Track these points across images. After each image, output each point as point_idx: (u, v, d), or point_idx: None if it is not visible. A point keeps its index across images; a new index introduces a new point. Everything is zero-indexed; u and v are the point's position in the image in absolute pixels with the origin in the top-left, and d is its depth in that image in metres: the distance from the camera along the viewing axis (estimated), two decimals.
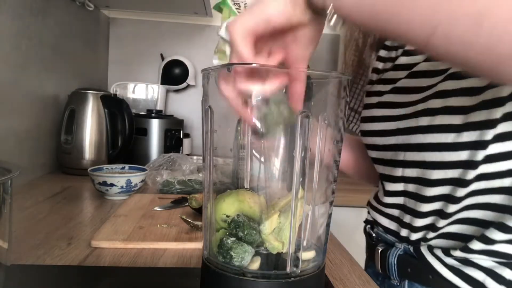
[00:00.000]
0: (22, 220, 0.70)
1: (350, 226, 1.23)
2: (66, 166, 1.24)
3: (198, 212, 0.80)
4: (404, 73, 0.63)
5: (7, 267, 0.44)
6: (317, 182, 0.45)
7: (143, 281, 0.54)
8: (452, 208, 0.53)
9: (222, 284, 0.42)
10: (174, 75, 1.70)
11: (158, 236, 0.68)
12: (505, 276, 0.50)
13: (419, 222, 0.57)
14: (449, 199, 0.53)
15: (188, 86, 1.75)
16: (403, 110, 0.60)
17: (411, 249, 0.58)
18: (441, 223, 0.55)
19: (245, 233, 0.42)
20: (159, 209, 0.84)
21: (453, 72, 0.53)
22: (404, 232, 0.60)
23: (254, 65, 0.40)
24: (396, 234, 0.62)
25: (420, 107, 0.56)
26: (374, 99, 0.66)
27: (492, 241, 0.50)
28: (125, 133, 1.27)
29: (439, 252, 0.55)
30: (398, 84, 0.63)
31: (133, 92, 1.70)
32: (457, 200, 0.52)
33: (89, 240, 0.65)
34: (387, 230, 0.64)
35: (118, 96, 1.36)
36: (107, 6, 1.62)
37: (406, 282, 0.60)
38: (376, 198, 0.68)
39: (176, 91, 1.78)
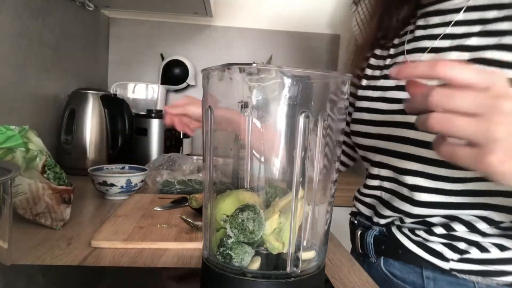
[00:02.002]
0: (22, 220, 0.70)
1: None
2: (66, 166, 1.23)
3: (198, 212, 0.80)
4: (392, 83, 0.70)
5: (7, 267, 0.44)
6: (317, 182, 0.45)
7: (143, 281, 0.54)
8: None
9: (222, 284, 0.42)
10: (174, 75, 1.70)
11: (158, 236, 0.68)
12: (459, 247, 0.61)
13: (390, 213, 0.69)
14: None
15: (188, 86, 1.75)
16: (389, 117, 0.68)
17: (384, 230, 0.69)
18: (407, 220, 0.66)
19: (236, 253, 0.42)
20: (159, 209, 0.84)
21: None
22: (376, 219, 0.72)
23: (254, 65, 0.40)
24: (370, 219, 0.74)
25: (397, 118, 0.66)
26: (365, 103, 0.74)
27: (453, 229, 0.61)
28: (125, 133, 1.27)
29: (406, 231, 0.66)
30: (387, 94, 0.70)
31: (133, 92, 1.70)
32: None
33: (89, 240, 0.65)
34: (365, 217, 0.76)
35: (118, 96, 1.36)
36: (107, 6, 1.62)
37: (382, 258, 0.70)
38: (359, 191, 0.78)
39: (176, 91, 1.78)
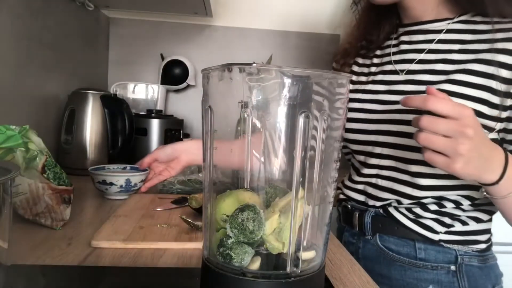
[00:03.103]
0: (22, 220, 0.70)
1: None
2: (66, 166, 1.23)
3: (198, 212, 0.80)
4: (383, 88, 0.81)
5: (7, 267, 0.44)
6: (317, 182, 0.45)
7: (143, 281, 0.54)
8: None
9: (222, 284, 0.42)
10: (174, 75, 1.70)
11: (158, 236, 0.68)
12: (446, 221, 0.74)
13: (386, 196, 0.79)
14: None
15: (188, 86, 1.75)
16: (385, 115, 0.79)
17: (381, 210, 0.80)
18: (405, 201, 0.76)
19: (235, 253, 0.42)
20: (159, 209, 0.84)
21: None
22: (371, 202, 0.81)
23: (254, 65, 0.40)
24: (363, 203, 0.83)
25: (396, 116, 0.77)
26: (356, 105, 0.84)
27: (443, 206, 0.74)
28: (125, 133, 1.27)
29: (403, 210, 0.77)
30: (379, 97, 0.81)
31: (133, 92, 1.70)
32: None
33: (89, 240, 0.65)
34: (356, 201, 0.85)
35: (118, 96, 1.36)
36: (107, 6, 1.62)
37: (377, 235, 0.81)
38: (350, 179, 0.88)
39: (176, 91, 1.78)
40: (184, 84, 1.72)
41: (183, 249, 0.65)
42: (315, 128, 0.43)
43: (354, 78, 0.89)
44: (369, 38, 0.91)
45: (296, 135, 0.41)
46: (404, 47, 0.82)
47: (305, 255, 0.44)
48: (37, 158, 0.70)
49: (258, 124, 0.44)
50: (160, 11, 1.67)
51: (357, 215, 0.84)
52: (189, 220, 0.71)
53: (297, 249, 0.43)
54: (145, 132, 1.41)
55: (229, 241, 0.42)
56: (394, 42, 0.85)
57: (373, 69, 0.87)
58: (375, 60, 0.87)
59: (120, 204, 0.87)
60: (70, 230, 0.70)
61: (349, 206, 0.87)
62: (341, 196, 0.90)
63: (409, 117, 0.73)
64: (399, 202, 0.77)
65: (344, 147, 0.90)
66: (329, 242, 0.63)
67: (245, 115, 0.44)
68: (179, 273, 0.56)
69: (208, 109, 0.45)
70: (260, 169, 0.48)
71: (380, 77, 0.83)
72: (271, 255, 0.44)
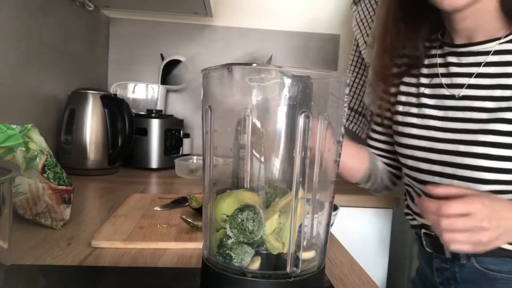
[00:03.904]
0: (22, 220, 0.70)
1: (350, 226, 1.23)
2: (66, 166, 1.23)
3: (198, 212, 0.80)
4: (439, 113, 0.79)
5: (7, 267, 0.44)
6: (317, 182, 0.45)
7: (143, 281, 0.54)
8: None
9: (222, 284, 0.42)
10: (174, 75, 1.70)
11: (158, 236, 0.68)
12: None
13: None
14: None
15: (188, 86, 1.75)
16: (445, 145, 0.77)
17: None
18: None
19: (235, 253, 0.42)
20: (159, 209, 0.84)
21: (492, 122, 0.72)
22: None
23: (254, 65, 0.40)
24: None
25: (461, 148, 0.75)
26: (414, 130, 0.82)
27: None
28: (125, 133, 1.26)
29: None
30: (436, 123, 0.79)
31: (133, 92, 1.70)
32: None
33: (89, 240, 0.65)
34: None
35: (118, 96, 1.36)
36: (107, 6, 1.61)
37: (472, 258, 0.77)
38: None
39: (176, 91, 1.78)
40: (184, 84, 1.72)
41: (183, 249, 0.65)
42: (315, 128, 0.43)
43: (404, 99, 0.86)
44: (402, 54, 0.87)
45: (296, 135, 0.41)
46: (454, 69, 0.79)
47: (305, 255, 0.44)
48: (37, 158, 0.70)
49: (258, 124, 0.44)
50: (160, 11, 1.67)
51: None
52: (189, 220, 0.71)
53: (297, 249, 0.43)
54: (145, 132, 1.41)
55: (229, 241, 0.42)
56: (440, 60, 0.82)
57: (422, 89, 0.83)
58: (423, 80, 0.84)
59: (120, 204, 0.87)
60: (70, 230, 0.70)
61: (433, 233, 0.82)
62: (415, 223, 0.87)
63: (476, 149, 0.73)
64: None
65: (396, 167, 0.91)
66: (329, 242, 0.63)
67: (245, 115, 0.44)
68: (179, 273, 0.56)
69: (208, 109, 0.45)
70: (260, 169, 0.48)
71: (434, 101, 0.80)
72: (271, 255, 0.44)
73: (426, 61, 0.85)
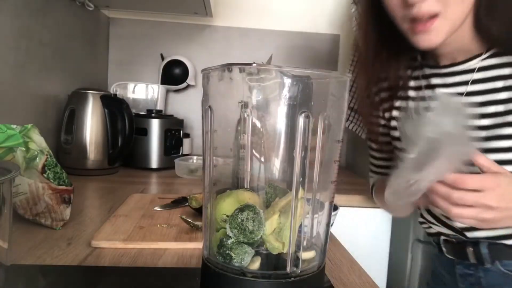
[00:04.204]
0: (22, 220, 0.70)
1: (350, 226, 1.23)
2: (66, 166, 1.23)
3: (198, 212, 0.80)
4: None
5: (7, 267, 0.44)
6: (317, 182, 0.45)
7: (143, 281, 0.54)
8: None
9: (222, 284, 0.42)
10: (174, 75, 1.70)
11: (158, 236, 0.68)
12: None
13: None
14: None
15: (188, 86, 1.75)
16: None
17: (495, 240, 0.76)
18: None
19: (235, 253, 0.42)
20: (159, 209, 0.84)
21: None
22: (471, 234, 0.78)
23: (254, 65, 0.40)
24: (463, 234, 0.79)
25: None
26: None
27: None
28: (125, 133, 1.26)
29: None
30: None
31: (133, 92, 1.70)
32: None
33: (89, 240, 0.65)
34: (459, 234, 0.80)
35: (118, 96, 1.36)
36: (107, 6, 1.62)
37: (497, 262, 0.77)
38: (436, 217, 0.84)
39: (176, 91, 1.78)
40: (184, 84, 1.72)
41: (183, 249, 0.65)
42: (315, 128, 0.43)
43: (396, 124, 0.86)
44: (384, 79, 0.87)
45: (296, 135, 0.41)
46: (440, 90, 0.79)
47: (305, 255, 0.44)
48: (37, 158, 0.69)
49: (258, 124, 0.44)
50: (160, 11, 1.67)
51: (472, 249, 0.79)
52: (189, 220, 0.71)
53: (297, 249, 0.43)
54: (145, 132, 1.41)
55: (229, 241, 0.42)
56: (424, 82, 0.83)
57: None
58: (412, 104, 0.84)
59: (120, 204, 0.87)
60: (70, 230, 0.70)
61: (454, 240, 0.83)
62: (432, 231, 0.87)
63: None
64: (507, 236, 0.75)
65: None
66: (329, 242, 0.63)
67: (245, 115, 0.44)
68: (179, 273, 0.56)
69: (208, 109, 0.45)
70: (260, 169, 0.48)
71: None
72: (271, 255, 0.44)
73: (412, 83, 0.85)
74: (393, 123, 0.88)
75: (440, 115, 0.59)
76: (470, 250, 0.79)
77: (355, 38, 1.57)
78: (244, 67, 0.42)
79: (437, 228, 0.85)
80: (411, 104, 0.85)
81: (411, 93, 0.85)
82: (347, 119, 1.64)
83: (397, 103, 0.88)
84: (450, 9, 0.67)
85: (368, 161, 1.04)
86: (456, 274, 0.83)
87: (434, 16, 0.68)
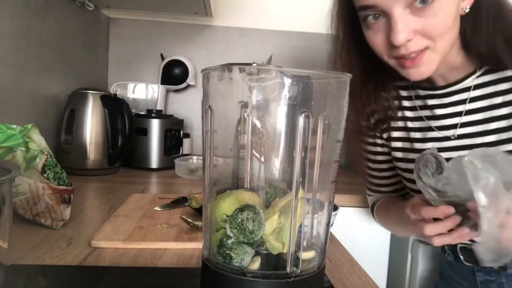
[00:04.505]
0: (22, 220, 0.70)
1: (350, 226, 1.23)
2: (66, 166, 1.23)
3: (198, 212, 0.80)
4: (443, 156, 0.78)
5: (7, 267, 0.44)
6: (317, 182, 0.45)
7: (143, 281, 0.54)
8: None
9: (222, 284, 0.42)
10: (174, 75, 1.70)
11: (158, 236, 0.68)
12: None
13: None
14: None
15: (188, 86, 1.75)
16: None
17: None
18: None
19: (235, 253, 0.42)
20: (159, 209, 0.84)
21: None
22: None
23: (254, 65, 0.40)
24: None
25: None
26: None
27: None
28: (125, 133, 1.26)
29: None
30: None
31: (133, 92, 1.70)
32: None
33: (89, 240, 0.65)
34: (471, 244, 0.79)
35: (118, 96, 1.36)
36: (107, 6, 1.61)
37: None
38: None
39: (176, 91, 1.78)
40: (184, 84, 1.72)
41: (183, 249, 0.65)
42: (315, 128, 0.43)
43: (400, 144, 0.86)
44: (379, 115, 0.86)
45: (296, 135, 0.41)
46: (439, 111, 0.79)
47: (305, 255, 0.44)
48: (37, 158, 0.69)
49: (258, 124, 0.44)
50: (160, 11, 1.67)
51: None
52: (189, 220, 0.71)
53: (297, 249, 0.43)
54: (145, 132, 1.41)
55: (229, 241, 0.42)
56: (419, 103, 0.82)
57: (413, 134, 0.83)
58: (409, 124, 0.84)
59: (120, 204, 0.87)
60: (70, 230, 0.70)
61: (472, 247, 0.82)
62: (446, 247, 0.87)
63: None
64: None
65: None
66: (329, 242, 0.63)
67: (245, 115, 0.44)
68: (179, 273, 0.56)
69: (208, 109, 0.45)
70: (260, 169, 0.48)
71: (429, 145, 0.80)
72: (271, 255, 0.44)
73: (406, 103, 0.84)
74: (394, 143, 0.88)
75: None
76: None
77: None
78: (244, 67, 0.42)
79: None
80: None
81: (408, 113, 0.84)
82: (347, 119, 1.64)
83: (394, 124, 0.87)
84: (438, 42, 0.66)
85: None
86: (476, 282, 0.82)
87: (423, 49, 0.67)
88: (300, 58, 1.81)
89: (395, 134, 0.87)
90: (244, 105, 0.44)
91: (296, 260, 0.42)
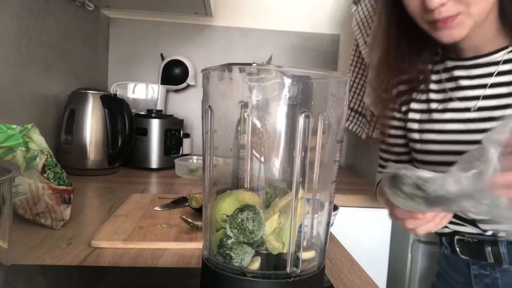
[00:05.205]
0: (22, 220, 0.70)
1: (350, 226, 1.23)
2: (66, 166, 1.23)
3: (198, 212, 0.80)
4: (459, 127, 0.78)
5: (7, 267, 0.44)
6: (317, 182, 0.45)
7: (143, 281, 0.54)
8: None
9: (222, 284, 0.42)
10: (174, 75, 1.70)
11: (158, 236, 0.68)
12: None
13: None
14: None
15: (188, 86, 1.75)
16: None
17: None
18: None
19: (235, 253, 0.42)
20: (159, 209, 0.84)
21: None
22: (489, 232, 0.77)
23: (254, 65, 0.40)
24: (481, 234, 0.79)
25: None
26: (436, 147, 0.81)
27: None
28: (125, 133, 1.26)
29: None
30: (457, 137, 0.78)
31: (133, 92, 1.70)
32: None
33: (89, 240, 0.65)
34: (476, 233, 0.80)
35: (118, 96, 1.36)
36: (107, 6, 1.62)
37: None
38: (456, 215, 0.80)
39: (176, 91, 1.78)
40: (184, 84, 1.72)
41: (183, 249, 0.65)
42: (315, 128, 0.43)
43: (418, 116, 0.85)
44: (406, 74, 0.85)
45: (296, 135, 0.41)
46: (464, 82, 0.78)
47: (305, 255, 0.44)
48: (37, 158, 0.69)
49: (258, 124, 0.44)
50: (160, 11, 1.67)
51: (490, 248, 0.78)
52: (189, 220, 0.71)
53: (297, 249, 0.43)
54: (145, 132, 1.41)
55: (229, 241, 0.42)
56: (445, 76, 0.82)
57: (433, 105, 0.83)
58: (432, 95, 0.83)
59: (120, 204, 0.87)
60: (70, 230, 0.70)
61: (469, 239, 0.82)
62: (446, 230, 0.85)
63: None
64: None
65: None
66: (329, 242, 0.63)
67: (245, 115, 0.44)
68: (179, 273, 0.56)
69: (208, 109, 0.45)
70: (260, 169, 0.48)
71: (448, 115, 0.80)
72: (271, 255, 0.44)
73: (434, 77, 0.84)
74: (412, 115, 0.87)
75: None
76: (488, 249, 0.78)
77: (356, 37, 1.58)
78: (244, 67, 0.42)
79: (454, 227, 0.83)
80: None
81: (433, 86, 0.84)
82: (347, 119, 1.64)
83: (417, 96, 0.86)
84: (472, 8, 0.67)
85: (368, 161, 1.04)
86: (470, 275, 0.82)
87: (456, 14, 0.67)
88: (300, 58, 1.81)
89: (415, 105, 0.86)
90: (244, 105, 0.44)
91: (296, 260, 0.42)
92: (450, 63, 0.81)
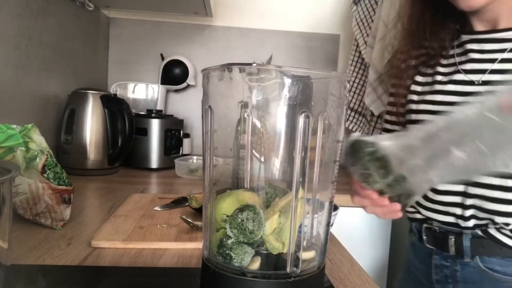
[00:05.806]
0: (22, 220, 0.70)
1: (350, 226, 1.23)
2: (66, 166, 1.23)
3: (198, 212, 0.80)
4: (458, 99, 0.77)
5: (7, 267, 0.44)
6: (317, 182, 0.45)
7: (143, 281, 0.54)
8: None
9: (222, 284, 0.42)
10: (174, 75, 1.70)
11: (158, 236, 0.68)
12: None
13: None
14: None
15: (188, 86, 1.75)
16: None
17: (479, 231, 0.74)
18: (500, 219, 0.71)
19: (235, 253, 0.42)
20: (159, 209, 0.84)
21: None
22: (463, 223, 0.75)
23: (254, 65, 0.40)
24: (455, 225, 0.77)
25: None
26: (432, 117, 0.78)
27: None
28: (125, 133, 1.26)
29: (506, 231, 0.72)
30: (451, 109, 0.75)
31: (133, 92, 1.70)
32: None
33: (89, 240, 0.65)
34: (445, 223, 0.79)
35: (118, 96, 1.36)
36: (107, 6, 1.62)
37: (477, 257, 0.75)
38: (427, 198, 0.80)
39: (176, 91, 1.78)
40: (184, 84, 1.72)
41: (183, 249, 0.65)
42: (315, 128, 0.43)
43: (419, 88, 0.85)
44: (426, 45, 0.85)
45: (296, 135, 0.41)
46: (474, 56, 0.77)
47: (305, 255, 0.44)
48: (37, 158, 0.70)
49: (258, 124, 0.44)
50: (160, 11, 1.67)
51: (453, 239, 0.78)
52: (189, 220, 0.71)
53: (297, 249, 0.43)
54: (145, 132, 1.42)
55: (229, 241, 0.42)
56: (458, 50, 0.81)
57: (438, 77, 0.82)
58: (440, 69, 0.83)
59: (120, 204, 0.87)
60: (70, 230, 0.70)
61: (436, 228, 0.81)
62: (418, 216, 0.84)
63: None
64: (494, 222, 0.73)
65: None
66: (329, 242, 0.63)
67: (245, 115, 0.44)
68: (179, 273, 0.56)
69: (208, 109, 0.45)
70: (260, 169, 0.48)
71: (451, 87, 0.79)
72: (271, 255, 0.44)
73: (446, 53, 0.84)
74: (413, 87, 0.86)
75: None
76: (451, 241, 0.78)
77: (356, 37, 1.58)
78: (244, 67, 0.42)
79: (425, 213, 0.82)
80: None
81: (443, 60, 0.84)
82: (347, 119, 1.64)
83: (424, 69, 0.86)
84: None
85: None
86: (431, 265, 0.82)
87: None
88: (300, 58, 1.81)
89: (419, 78, 0.86)
90: (244, 105, 0.44)
91: (296, 260, 0.42)
92: (464, 37, 0.80)
